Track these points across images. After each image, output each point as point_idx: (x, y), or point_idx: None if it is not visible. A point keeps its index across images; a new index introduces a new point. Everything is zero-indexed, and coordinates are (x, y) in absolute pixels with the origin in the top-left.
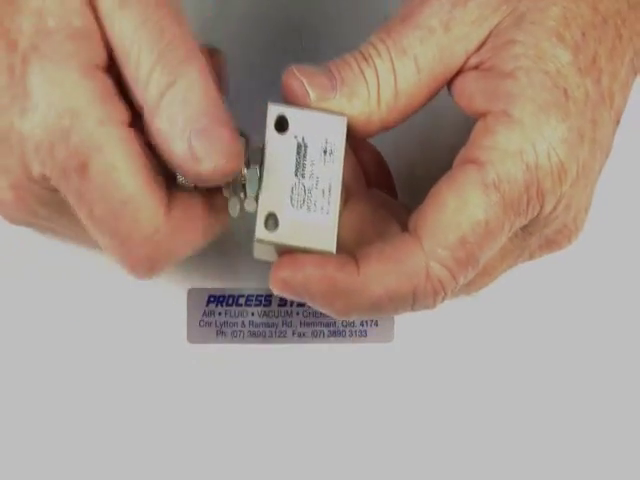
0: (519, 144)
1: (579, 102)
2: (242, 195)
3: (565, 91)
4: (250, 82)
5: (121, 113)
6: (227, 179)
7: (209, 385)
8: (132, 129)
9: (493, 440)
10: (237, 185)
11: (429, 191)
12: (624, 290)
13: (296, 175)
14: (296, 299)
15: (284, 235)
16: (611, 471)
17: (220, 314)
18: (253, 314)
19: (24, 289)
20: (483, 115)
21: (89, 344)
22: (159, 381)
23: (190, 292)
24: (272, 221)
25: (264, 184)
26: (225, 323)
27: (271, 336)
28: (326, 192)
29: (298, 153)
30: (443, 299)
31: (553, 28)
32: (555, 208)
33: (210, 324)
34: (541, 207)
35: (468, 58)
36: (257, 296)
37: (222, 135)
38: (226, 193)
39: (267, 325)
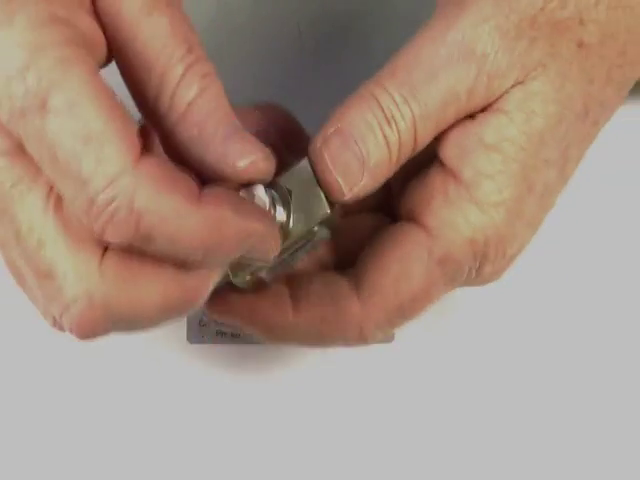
0: (472, 231)
1: (538, 196)
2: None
3: (530, 188)
4: (250, 81)
5: (88, 61)
6: (263, 177)
7: (209, 385)
8: (98, 74)
9: (494, 440)
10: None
11: (373, 240)
12: (623, 292)
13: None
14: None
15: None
16: (611, 471)
17: None
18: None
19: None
20: (447, 167)
21: (89, 344)
22: (159, 381)
23: None
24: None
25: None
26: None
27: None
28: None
29: (305, 244)
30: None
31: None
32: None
33: (210, 324)
34: (480, 274)
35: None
36: None
37: (252, 137)
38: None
39: None
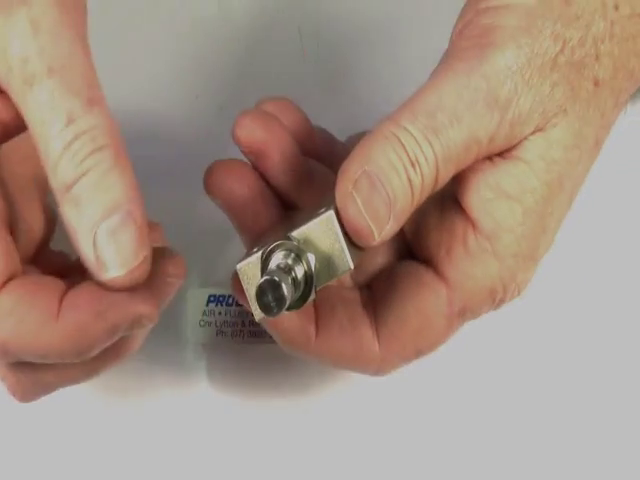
0: (492, 282)
1: (550, 233)
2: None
3: (544, 230)
4: (249, 81)
5: None
6: (132, 285)
7: (209, 385)
8: None
9: (494, 441)
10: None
11: (391, 288)
12: (624, 293)
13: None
14: None
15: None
16: (611, 472)
17: (220, 314)
18: (253, 314)
19: None
20: (467, 215)
21: None
22: (159, 381)
23: (190, 292)
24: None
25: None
26: (225, 323)
27: (271, 336)
28: None
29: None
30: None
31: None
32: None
33: (210, 324)
34: (493, 310)
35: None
36: None
37: (131, 237)
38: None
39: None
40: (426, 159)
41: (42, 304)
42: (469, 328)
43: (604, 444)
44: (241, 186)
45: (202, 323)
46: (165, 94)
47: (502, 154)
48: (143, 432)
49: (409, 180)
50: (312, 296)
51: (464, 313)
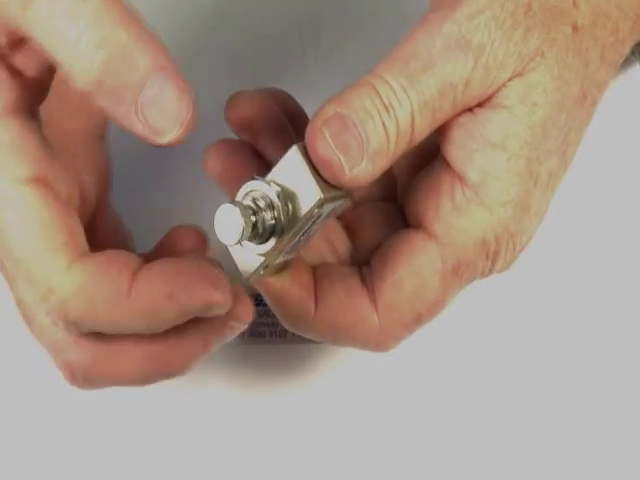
0: (482, 232)
1: (543, 184)
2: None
3: (535, 180)
4: (249, 81)
5: (24, 168)
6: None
7: (209, 385)
8: (36, 184)
9: (494, 441)
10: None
11: (387, 250)
12: (623, 288)
13: (298, 236)
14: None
15: (266, 273)
16: (611, 472)
17: None
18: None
19: None
20: (453, 168)
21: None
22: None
23: None
24: (264, 267)
25: (279, 243)
26: None
27: (271, 336)
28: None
29: (311, 221)
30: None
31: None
32: (504, 256)
33: None
34: (490, 267)
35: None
36: (257, 296)
37: (173, 94)
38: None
39: (267, 325)
40: (400, 104)
41: (114, 281)
42: (468, 324)
43: (601, 441)
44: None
45: None
46: None
47: (482, 104)
48: (143, 432)
49: (383, 124)
50: (286, 234)
51: (458, 269)
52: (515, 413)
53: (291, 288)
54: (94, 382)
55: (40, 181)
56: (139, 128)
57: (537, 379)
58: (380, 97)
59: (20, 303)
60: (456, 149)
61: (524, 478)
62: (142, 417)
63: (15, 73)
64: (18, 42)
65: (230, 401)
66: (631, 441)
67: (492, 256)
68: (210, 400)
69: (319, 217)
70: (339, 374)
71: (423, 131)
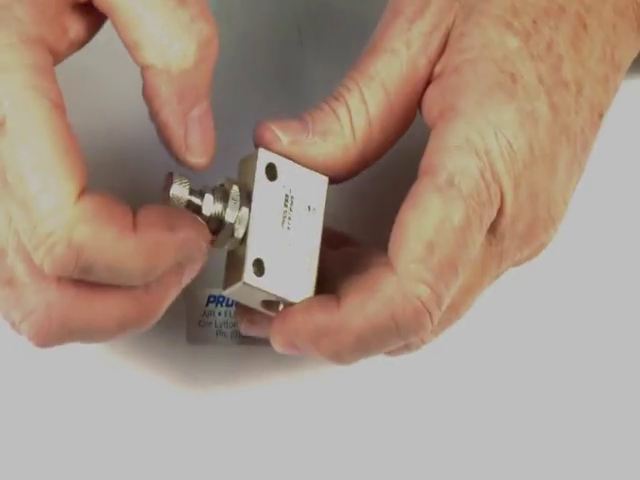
0: (464, 134)
1: (530, 86)
2: (228, 233)
3: (512, 75)
4: (249, 81)
5: (53, 93)
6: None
7: (209, 385)
8: (60, 104)
9: (494, 441)
10: (223, 223)
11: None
12: (622, 294)
13: (282, 225)
14: (300, 353)
15: (269, 283)
16: (611, 472)
17: (220, 314)
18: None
19: None
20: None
21: (89, 345)
22: (159, 381)
23: (190, 292)
24: (258, 267)
25: (252, 228)
26: (225, 323)
27: None
28: (307, 248)
29: (285, 205)
30: (431, 320)
31: (500, 16)
32: (516, 194)
33: (210, 324)
34: (501, 192)
35: (433, 67)
36: None
37: (212, 125)
38: (210, 226)
39: None
40: (349, 89)
41: (120, 216)
42: (467, 322)
43: (601, 441)
44: None
45: (202, 323)
46: None
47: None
48: (143, 432)
49: (332, 109)
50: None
51: (452, 178)
52: (514, 413)
53: (313, 304)
54: (71, 329)
55: (56, 104)
56: (179, 137)
57: (537, 380)
58: (333, 94)
59: None
60: (431, 96)
61: (524, 478)
62: (140, 417)
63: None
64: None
65: (229, 401)
66: (631, 442)
67: (486, 156)
68: (208, 401)
69: (290, 203)
70: (339, 374)
71: (380, 105)
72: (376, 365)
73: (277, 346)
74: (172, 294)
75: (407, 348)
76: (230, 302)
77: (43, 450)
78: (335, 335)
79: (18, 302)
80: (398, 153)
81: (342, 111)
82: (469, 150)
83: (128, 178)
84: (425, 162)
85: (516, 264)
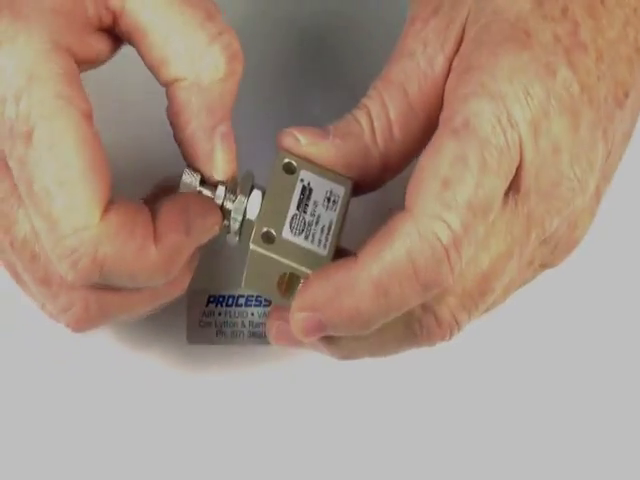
0: (478, 81)
1: (545, 42)
2: (240, 218)
3: (526, 31)
4: (249, 81)
5: (83, 102)
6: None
7: (209, 385)
8: (89, 117)
9: (495, 441)
10: (237, 210)
11: None
12: (622, 294)
13: (298, 208)
14: (318, 334)
15: (279, 251)
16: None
17: (220, 314)
18: (253, 314)
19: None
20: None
21: (89, 344)
22: (159, 381)
23: (190, 292)
24: (268, 237)
25: (265, 206)
26: (225, 323)
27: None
28: (325, 230)
29: (302, 193)
30: (450, 264)
31: None
32: (537, 144)
33: (210, 324)
34: (520, 140)
35: (451, 64)
36: (257, 296)
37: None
38: (225, 219)
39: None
40: (370, 97)
41: (142, 228)
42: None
43: (601, 440)
44: None
45: (202, 323)
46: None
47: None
48: (143, 432)
49: (353, 115)
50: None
51: (467, 121)
52: (515, 414)
53: (329, 267)
54: (107, 316)
55: (85, 114)
56: (207, 150)
57: (536, 382)
58: (356, 106)
59: (23, 243)
60: (450, 83)
61: (524, 478)
62: (140, 417)
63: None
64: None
65: (230, 401)
66: (631, 442)
67: (500, 99)
68: (209, 401)
69: (307, 193)
70: (339, 374)
71: (400, 106)
72: (376, 365)
73: (298, 331)
74: (193, 266)
75: (440, 329)
76: (230, 302)
77: (44, 447)
78: (354, 289)
79: (55, 299)
80: None
81: (362, 115)
82: (483, 94)
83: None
84: (441, 115)
85: (550, 246)
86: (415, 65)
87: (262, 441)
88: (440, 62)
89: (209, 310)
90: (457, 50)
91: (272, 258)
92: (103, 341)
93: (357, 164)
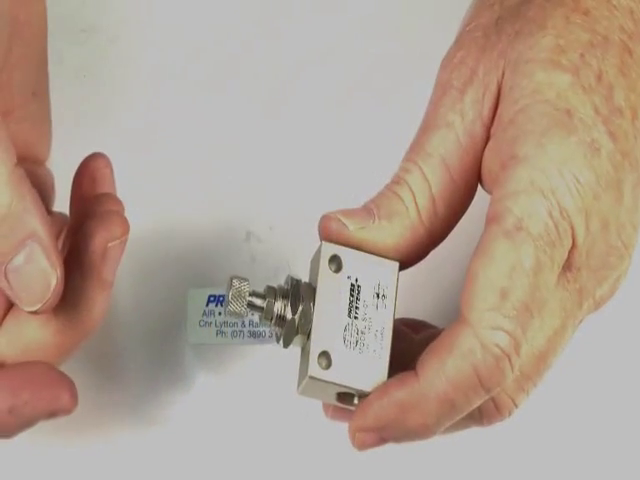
0: (528, 177)
1: (587, 118)
2: (292, 331)
3: (568, 111)
4: (249, 81)
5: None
6: None
7: (209, 385)
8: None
9: (495, 441)
10: (281, 318)
11: None
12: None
13: (349, 316)
14: (377, 446)
15: (336, 375)
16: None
17: (220, 314)
18: (253, 314)
19: None
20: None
21: (88, 344)
22: (159, 381)
23: (190, 292)
24: (325, 359)
25: (316, 321)
26: (225, 323)
27: (271, 336)
28: (378, 335)
29: (351, 294)
30: (512, 366)
31: (547, 59)
32: (588, 227)
33: (210, 324)
34: (572, 228)
35: (489, 132)
36: None
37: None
38: (268, 325)
39: (267, 325)
40: (409, 171)
41: None
42: None
43: (601, 440)
44: None
45: (202, 323)
46: None
47: None
48: (143, 432)
49: (395, 192)
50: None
51: (520, 222)
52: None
53: (389, 385)
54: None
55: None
56: (8, 293)
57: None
58: (393, 179)
59: None
60: (491, 158)
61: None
62: (140, 417)
63: None
64: None
65: (230, 401)
66: (631, 442)
67: (552, 195)
68: (209, 400)
69: (356, 292)
70: None
71: (442, 181)
72: None
73: (358, 445)
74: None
75: (499, 413)
76: None
77: (44, 447)
78: (419, 406)
79: None
80: (460, 235)
81: (405, 192)
82: (534, 192)
83: None
84: (491, 211)
85: (598, 305)
86: (454, 137)
87: (262, 441)
88: (479, 132)
89: (209, 310)
90: (494, 115)
91: (330, 382)
92: (103, 341)
93: (405, 245)
